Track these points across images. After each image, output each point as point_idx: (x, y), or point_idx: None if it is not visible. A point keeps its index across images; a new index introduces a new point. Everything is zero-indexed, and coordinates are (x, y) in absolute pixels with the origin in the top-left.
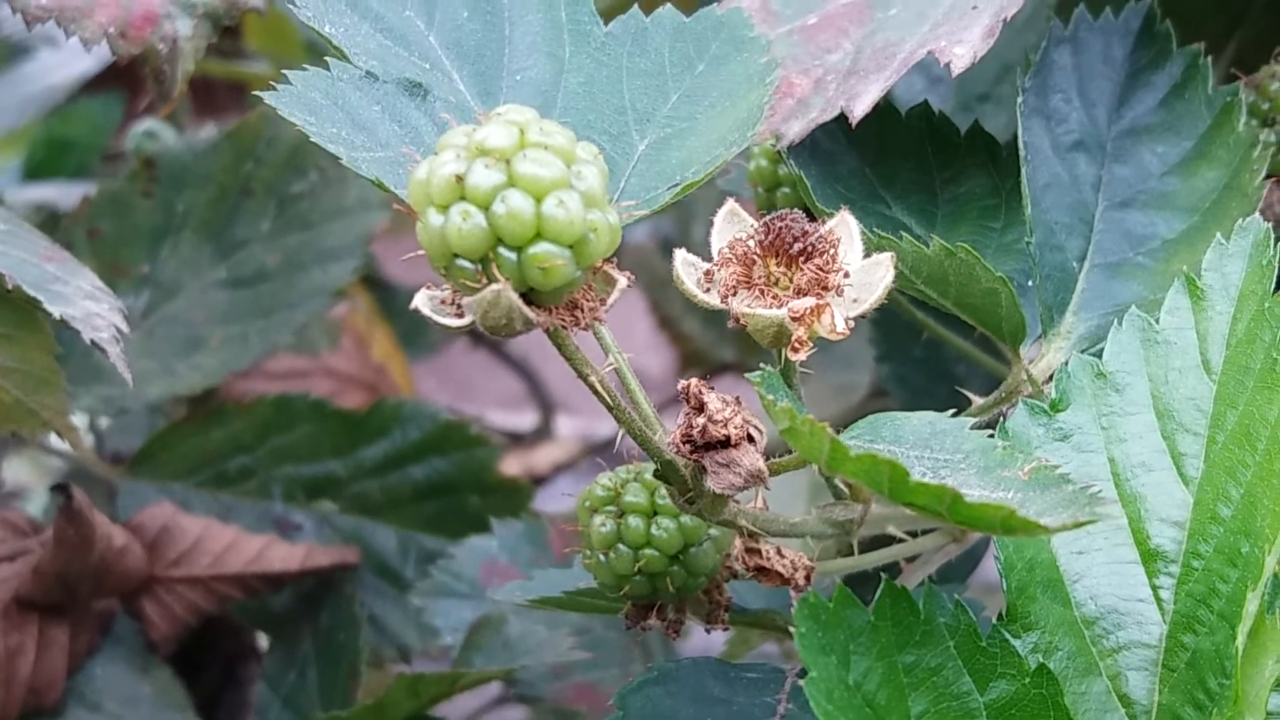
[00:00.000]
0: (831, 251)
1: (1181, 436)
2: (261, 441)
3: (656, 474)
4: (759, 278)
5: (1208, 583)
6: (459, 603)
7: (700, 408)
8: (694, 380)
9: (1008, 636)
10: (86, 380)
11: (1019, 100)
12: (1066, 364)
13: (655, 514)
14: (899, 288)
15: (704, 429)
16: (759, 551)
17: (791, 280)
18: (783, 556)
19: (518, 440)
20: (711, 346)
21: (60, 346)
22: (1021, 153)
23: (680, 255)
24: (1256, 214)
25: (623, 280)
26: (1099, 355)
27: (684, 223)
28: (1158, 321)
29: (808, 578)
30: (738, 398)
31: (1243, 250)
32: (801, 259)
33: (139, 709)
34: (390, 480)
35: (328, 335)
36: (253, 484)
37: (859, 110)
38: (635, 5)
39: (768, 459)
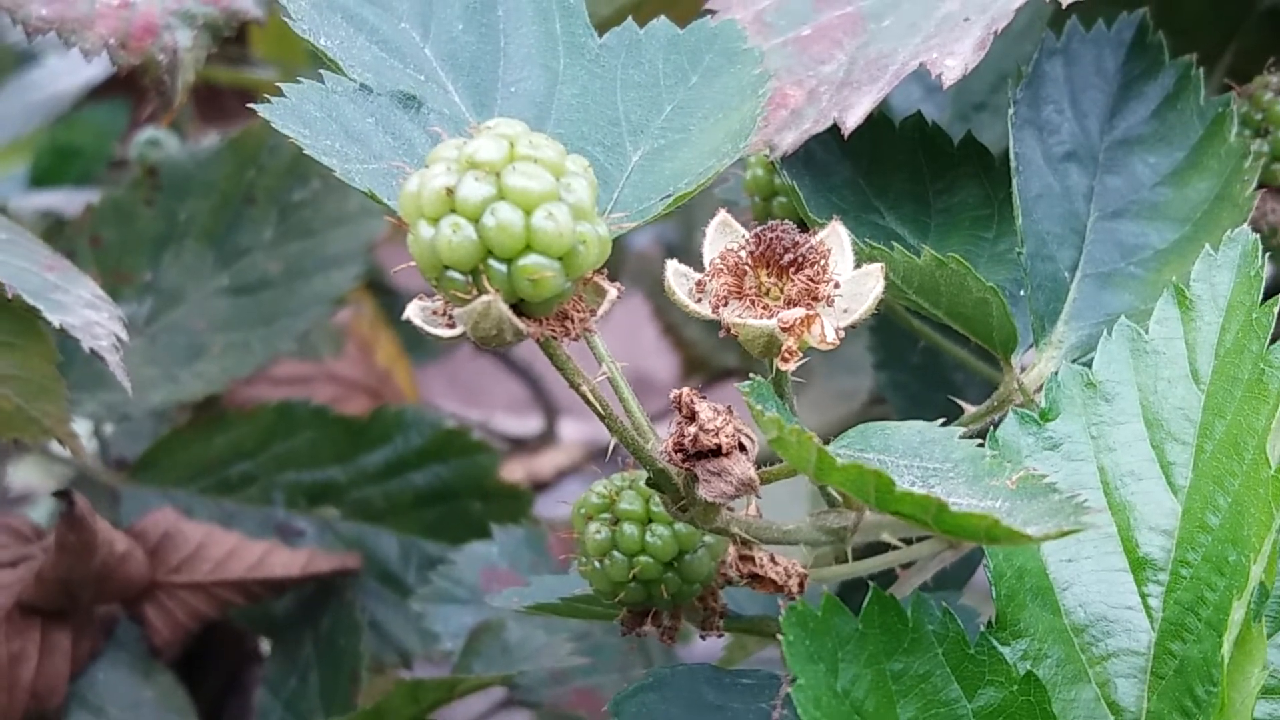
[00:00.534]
0: (822, 262)
1: (1170, 445)
2: (263, 448)
3: (650, 482)
4: (750, 288)
5: (1196, 591)
6: (459, 608)
7: (692, 417)
8: (686, 389)
9: (996, 644)
10: (90, 386)
11: (1011, 112)
12: (1057, 374)
13: (650, 521)
14: (891, 297)
15: (695, 438)
16: (752, 559)
17: (782, 291)
18: (776, 564)
19: (523, 445)
20: (713, 352)
21: (62, 354)
22: (1013, 163)
23: (672, 266)
24: (1245, 225)
25: (613, 291)
26: (1089, 365)
27: (687, 229)
28: (1147, 331)
29: (801, 585)
30: (729, 407)
31: (1231, 261)
32: (792, 270)
33: (141, 714)
34: (392, 486)
35: (332, 340)
36: (255, 490)
37: (852, 121)
38: (630, 17)
39: (760, 467)
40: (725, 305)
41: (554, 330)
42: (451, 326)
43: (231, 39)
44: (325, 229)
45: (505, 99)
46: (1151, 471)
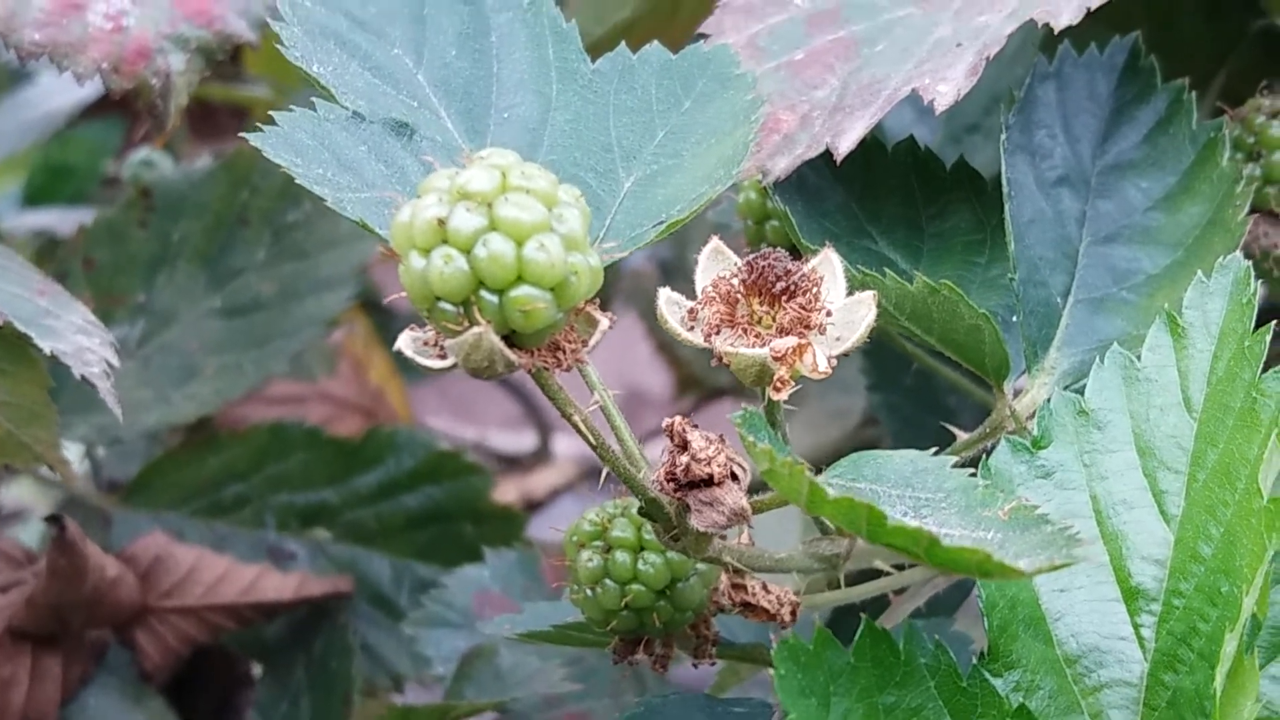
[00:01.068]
0: (814, 290)
1: (1163, 474)
2: (256, 469)
3: (641, 511)
4: (742, 316)
5: (1188, 621)
6: (451, 633)
7: (684, 446)
8: (678, 418)
9: (988, 676)
10: (81, 410)
11: (1003, 136)
12: (1049, 401)
13: (642, 549)
14: (884, 323)
15: (687, 467)
16: (745, 587)
17: (774, 319)
18: (768, 592)
19: (517, 463)
20: (707, 371)
21: (54, 378)
22: (1005, 188)
23: (664, 294)
24: (1237, 251)
25: (605, 321)
26: (1082, 392)
27: (680, 247)
28: (1139, 359)
29: (793, 613)
30: (721, 435)
31: (1223, 288)
32: (784, 298)
33: None
34: (384, 508)
35: (325, 360)
36: (247, 512)
37: (844, 146)
38: (622, 42)
39: (752, 496)
40: (717, 333)
41: (546, 361)
42: (443, 358)
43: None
44: (318, 251)
45: (498, 125)
46: (1144, 500)
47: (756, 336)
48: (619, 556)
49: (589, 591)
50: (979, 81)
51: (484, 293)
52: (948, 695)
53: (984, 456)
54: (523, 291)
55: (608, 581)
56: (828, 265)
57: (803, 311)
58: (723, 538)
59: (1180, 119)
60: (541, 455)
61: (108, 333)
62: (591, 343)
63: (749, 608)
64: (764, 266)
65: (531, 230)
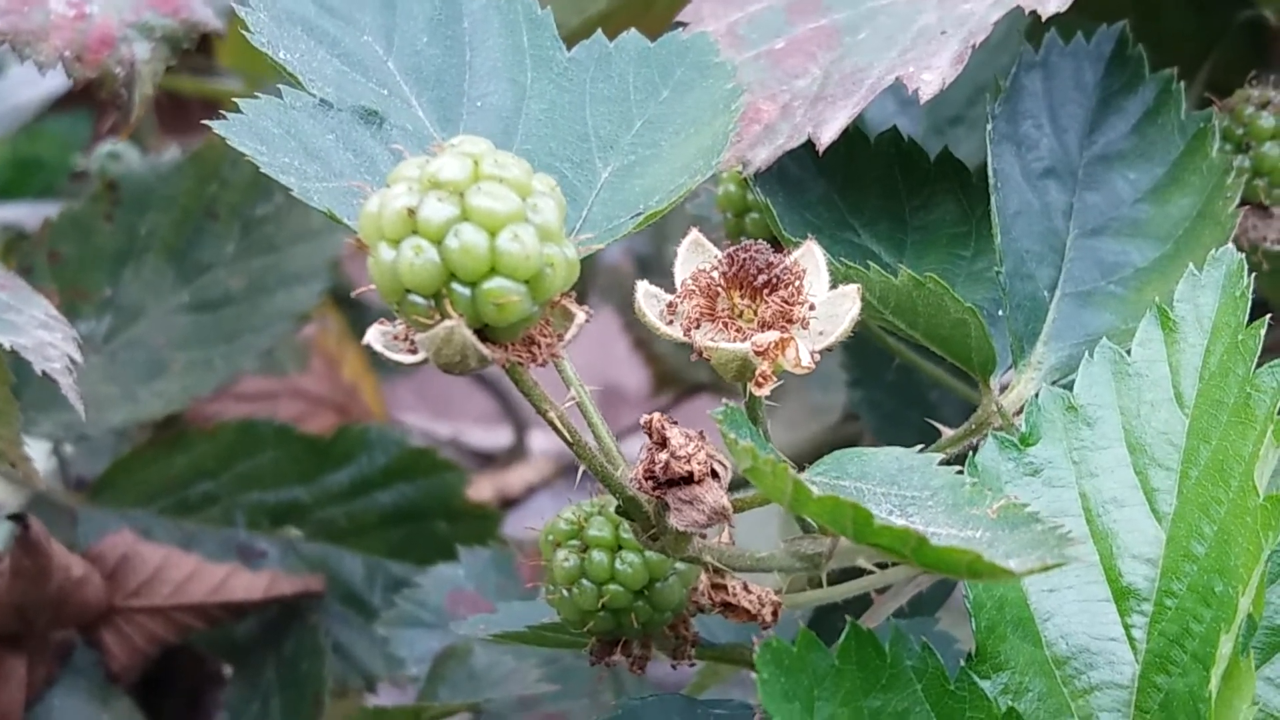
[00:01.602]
0: (796, 283)
1: (1154, 471)
2: (225, 467)
3: (619, 509)
4: (722, 310)
5: (1181, 622)
6: (425, 632)
7: (663, 443)
8: (656, 415)
9: (976, 678)
10: (46, 406)
11: (989, 127)
12: (1037, 397)
13: (620, 548)
14: (867, 317)
15: (666, 465)
16: (725, 587)
17: (756, 313)
18: (749, 592)
19: (492, 459)
20: (685, 367)
21: (17, 374)
22: (991, 180)
23: (642, 288)
24: (1230, 244)
25: (581, 315)
26: (1070, 387)
27: (659, 241)
28: (1129, 353)
29: (775, 613)
30: (701, 432)
31: (1216, 281)
32: (766, 291)
33: None
34: (356, 506)
35: (297, 356)
36: (216, 510)
37: (826, 137)
38: (599, 30)
39: (733, 494)
40: (697, 328)
41: (520, 356)
42: (413, 352)
43: (197, 49)
44: (288, 244)
45: (471, 114)
46: (1134, 498)
47: (738, 330)
48: (596, 556)
49: (565, 592)
50: (962, 72)
51: (456, 285)
52: (935, 698)
53: (970, 453)
54: (496, 284)
55: (584, 581)
56: (810, 258)
57: (785, 305)
58: (702, 537)
59: (1168, 109)
60: (517, 452)
61: (70, 327)
62: (567, 337)
63: (729, 608)
64: (745, 259)
65: (505, 220)
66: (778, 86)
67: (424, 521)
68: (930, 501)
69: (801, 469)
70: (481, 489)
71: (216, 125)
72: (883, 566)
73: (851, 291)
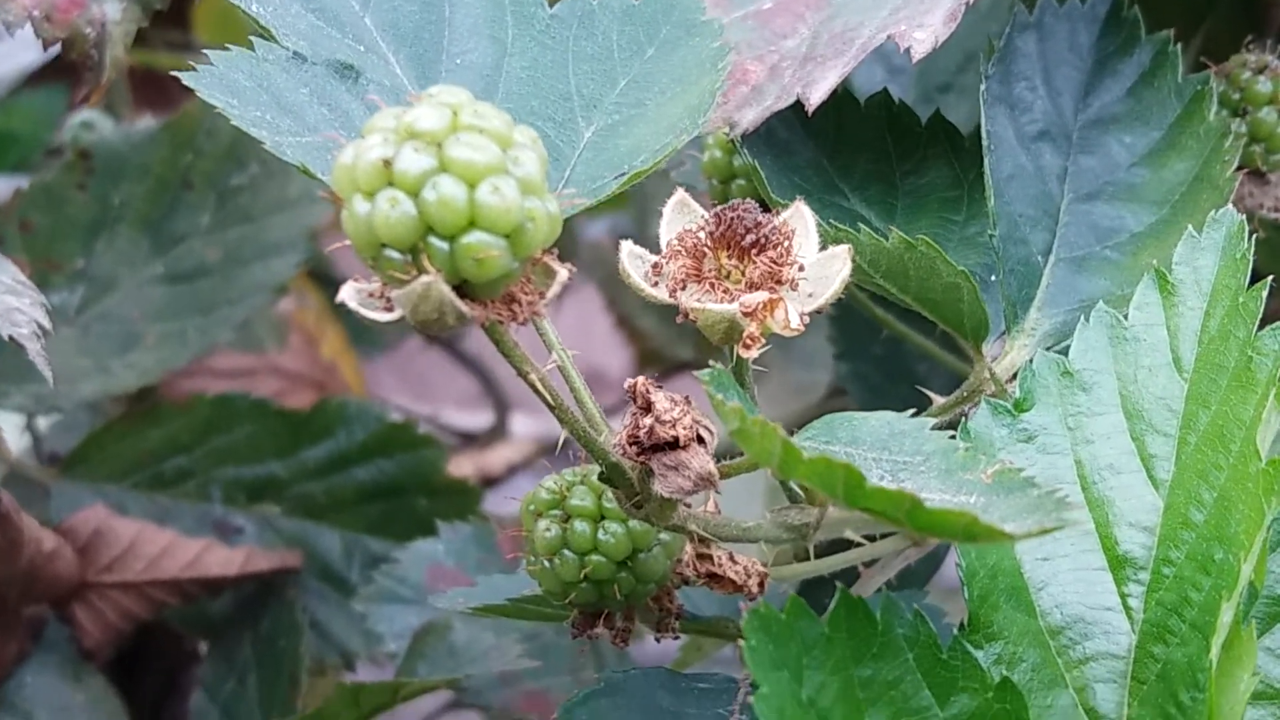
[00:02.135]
0: (785, 244)
1: (1151, 438)
2: (200, 442)
3: (602, 477)
4: (709, 271)
5: (1179, 591)
6: (403, 608)
7: (647, 407)
8: (641, 379)
9: (969, 648)
10: (17, 378)
11: (982, 88)
12: (1031, 362)
13: (602, 518)
14: (857, 282)
15: (651, 430)
16: (710, 557)
17: (744, 274)
18: (735, 562)
19: (473, 440)
20: (669, 344)
21: None
22: (985, 142)
23: (627, 247)
24: (1229, 206)
25: (563, 272)
26: (1065, 353)
27: (641, 219)
28: (1126, 318)
29: (761, 584)
30: (687, 397)
31: (1215, 244)
32: (754, 251)
33: (71, 718)
34: (334, 482)
35: (275, 332)
36: (191, 485)
37: (816, 97)
38: None
39: (719, 461)
40: (683, 289)
41: (500, 314)
42: (389, 310)
43: (174, 23)
44: (265, 215)
45: (450, 71)
46: (1131, 465)
47: (725, 292)
48: (578, 526)
49: (546, 563)
50: (951, 39)
51: (433, 239)
52: (927, 668)
53: (963, 420)
54: (475, 238)
55: (566, 552)
56: (799, 219)
57: (774, 266)
58: (687, 505)
59: (1165, 72)
60: (498, 433)
61: (39, 294)
62: (549, 295)
63: (715, 579)
64: (733, 218)
65: (485, 172)
66: (765, 47)
67: (403, 497)
68: (923, 467)
69: (789, 435)
70: (462, 468)
71: (186, 77)
72: (871, 539)
73: (842, 252)
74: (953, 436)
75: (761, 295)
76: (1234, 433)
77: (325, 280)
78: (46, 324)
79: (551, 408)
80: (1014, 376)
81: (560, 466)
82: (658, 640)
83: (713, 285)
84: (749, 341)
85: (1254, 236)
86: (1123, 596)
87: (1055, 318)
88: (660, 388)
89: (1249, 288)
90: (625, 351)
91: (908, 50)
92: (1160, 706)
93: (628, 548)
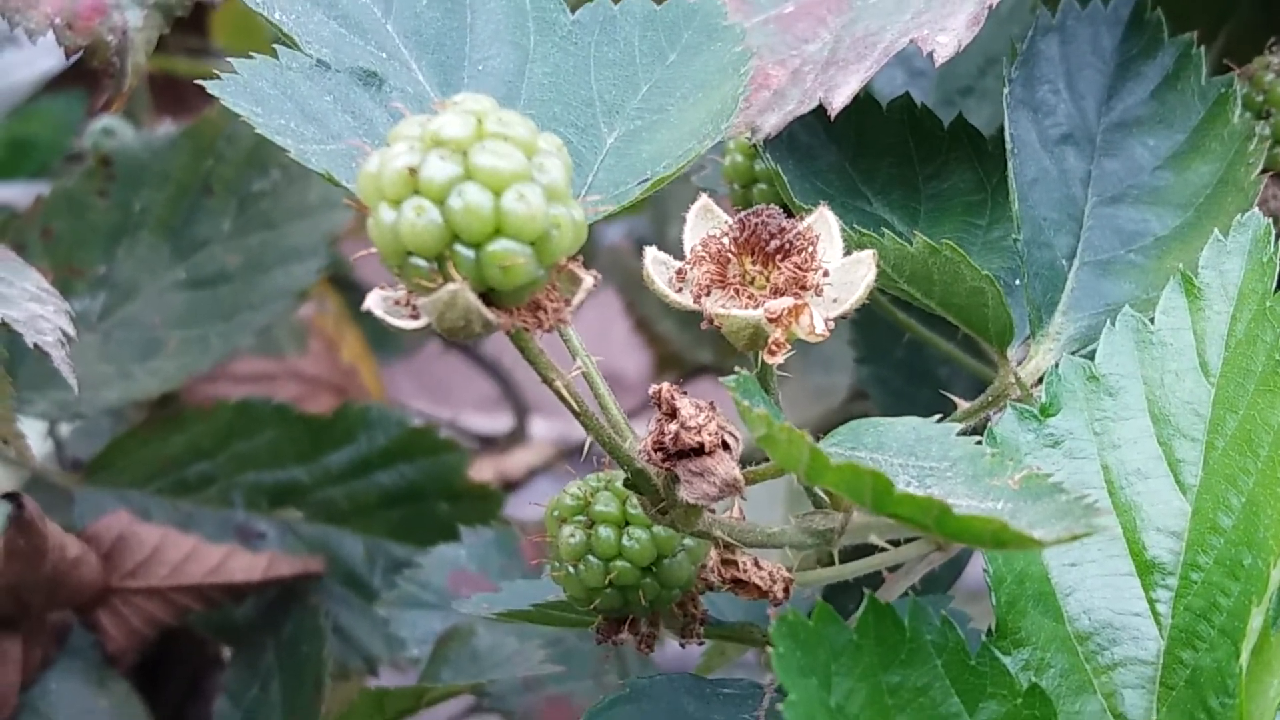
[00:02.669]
0: (810, 249)
1: (1179, 442)
2: (223, 447)
3: (627, 483)
4: (734, 276)
5: (1208, 596)
6: (426, 613)
7: (672, 414)
8: (666, 385)
9: (997, 654)
10: (41, 385)
11: (1005, 91)
12: (1057, 366)
13: (627, 524)
14: (880, 287)
15: (676, 436)
16: (735, 563)
17: (768, 279)
18: (760, 568)
19: (493, 444)
20: (688, 348)
21: (11, 352)
22: (1008, 146)
23: (651, 253)
24: (1255, 209)
25: (589, 279)
26: (1091, 357)
27: (660, 223)
28: (1152, 322)
29: (786, 590)
30: (712, 403)
31: (1242, 247)
32: (778, 257)
33: None
34: (356, 487)
35: (295, 337)
36: (214, 491)
37: (838, 102)
38: None
39: (744, 467)
40: (708, 295)
41: (526, 321)
42: (415, 317)
43: (192, 29)
44: (285, 221)
45: (472, 77)
46: (1159, 470)
47: (749, 297)
48: (603, 531)
49: (571, 569)
50: (973, 42)
51: (459, 247)
52: (955, 674)
53: (989, 425)
54: (501, 245)
55: (591, 558)
56: (823, 224)
57: (798, 271)
58: (712, 511)
59: (1188, 74)
60: (518, 437)
61: (63, 301)
62: (575, 302)
63: (740, 584)
64: (757, 224)
65: (510, 179)
66: (787, 51)
67: (425, 502)
68: (949, 472)
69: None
70: (482, 472)
71: (210, 85)
72: (895, 544)
73: (867, 257)
74: (979, 442)
75: (786, 301)
76: (1262, 437)
77: (345, 285)
78: (71, 331)
79: (577, 414)
80: (1039, 381)
81: (584, 471)
82: (682, 646)
83: (737, 291)
84: (774, 347)
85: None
86: (1151, 602)
87: (1080, 322)
88: (685, 394)
89: (1276, 291)
90: (643, 354)
91: (930, 54)
92: (1189, 712)
93: (652, 553)
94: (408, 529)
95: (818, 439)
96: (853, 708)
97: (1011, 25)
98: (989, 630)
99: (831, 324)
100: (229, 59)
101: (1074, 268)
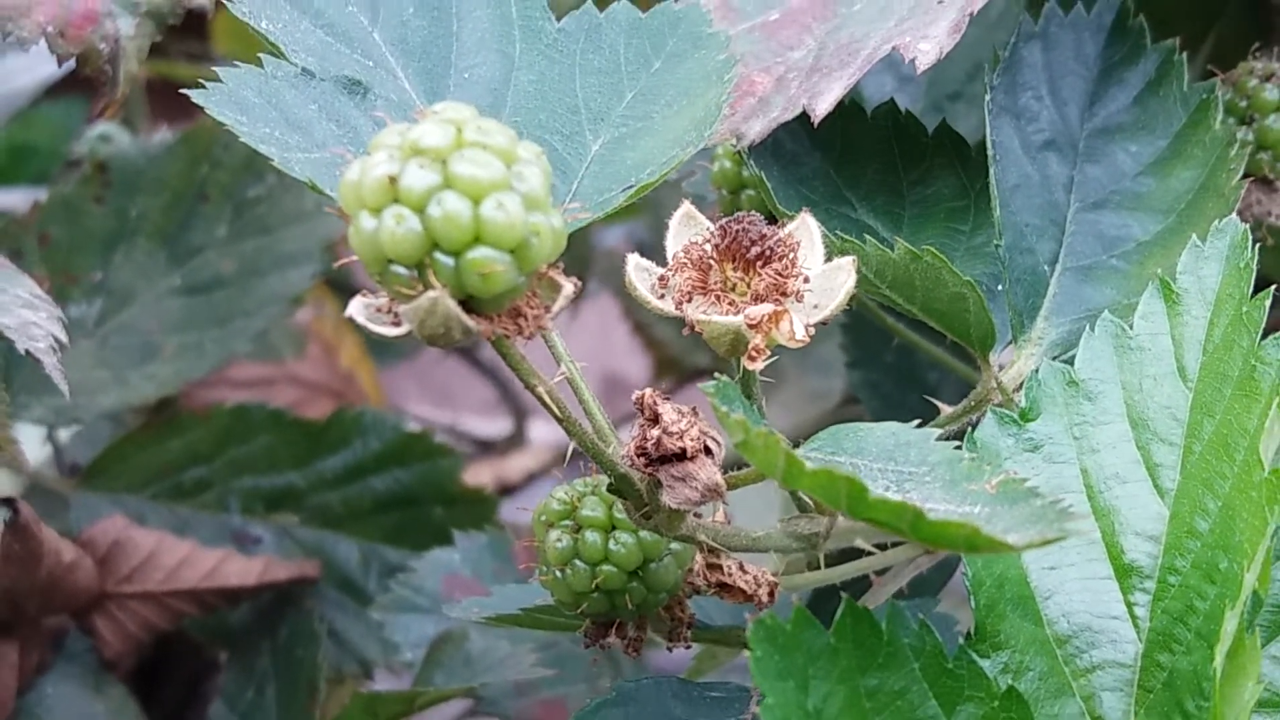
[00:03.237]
0: (791, 256)
1: (1156, 447)
2: (219, 452)
3: (611, 488)
4: (715, 283)
5: (1185, 600)
6: (420, 617)
7: (655, 419)
8: (648, 390)
9: (975, 657)
10: (38, 390)
11: (987, 98)
12: (1037, 371)
13: (613, 529)
14: (864, 293)
15: (658, 441)
16: (720, 567)
17: (749, 286)
18: (745, 572)
19: (491, 447)
20: (685, 353)
21: (6, 359)
22: (990, 152)
23: (633, 260)
24: (1234, 215)
25: (569, 286)
26: (1071, 362)
27: (658, 227)
28: (1131, 327)
29: (771, 594)
30: (694, 408)
31: (1219, 252)
32: (759, 263)
33: None
34: (351, 491)
35: (293, 342)
36: (210, 496)
37: (822, 109)
38: (589, 1)
39: (727, 472)
40: (689, 301)
41: (506, 328)
42: (397, 324)
43: (193, 35)
44: (281, 226)
45: (458, 85)
46: (1137, 474)
47: (730, 304)
48: (589, 536)
49: (558, 573)
50: (960, 47)
51: (439, 254)
52: (933, 677)
53: (969, 429)
54: (480, 253)
55: (577, 562)
56: (805, 230)
57: (779, 278)
58: (697, 515)
59: (1170, 81)
60: (516, 440)
61: (56, 307)
62: (555, 308)
63: (725, 588)
64: (738, 231)
65: (489, 188)
66: (772, 58)
67: (419, 506)
68: (927, 477)
69: (796, 445)
70: (480, 476)
71: (195, 94)
72: (882, 548)
73: (846, 264)
74: (958, 447)
75: (766, 307)
76: (1238, 442)
77: (343, 290)
78: (63, 338)
79: (559, 419)
80: (1021, 386)
81: (571, 476)
82: (669, 650)
83: (718, 298)
84: (754, 353)
85: (1261, 244)
86: (1129, 605)
87: (1062, 327)
88: (668, 399)
89: (1253, 297)
90: (646, 357)
91: (913, 61)
92: (1166, 715)
93: (639, 558)
94: (402, 533)
95: (798, 444)
96: (830, 711)
97: (1000, 31)
98: (967, 633)
99: (812, 330)
100: (214, 68)
101: (1056, 273)
